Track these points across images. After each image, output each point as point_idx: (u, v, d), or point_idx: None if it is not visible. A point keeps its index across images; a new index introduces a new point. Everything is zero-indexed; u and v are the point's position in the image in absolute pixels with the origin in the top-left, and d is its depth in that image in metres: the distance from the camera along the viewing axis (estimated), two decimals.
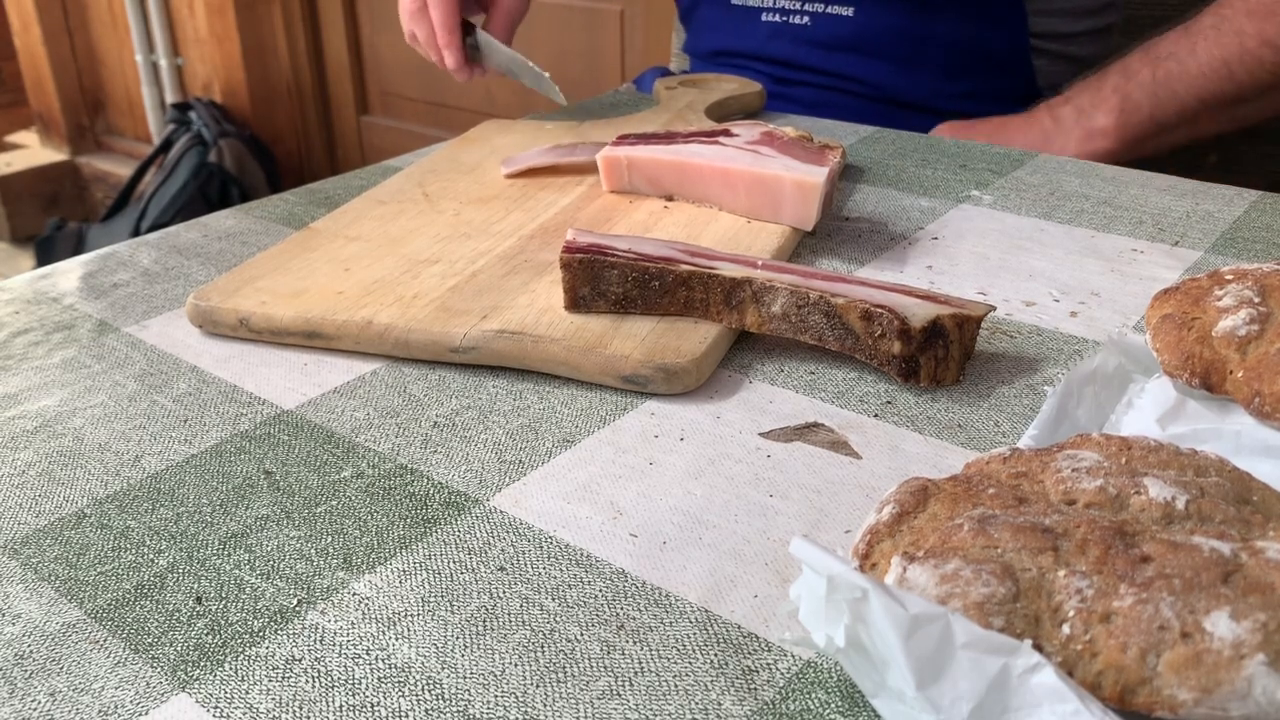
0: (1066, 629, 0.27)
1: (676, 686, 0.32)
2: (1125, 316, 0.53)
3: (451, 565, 0.37)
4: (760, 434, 0.44)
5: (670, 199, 0.64)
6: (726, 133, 0.64)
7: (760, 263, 0.51)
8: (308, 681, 0.33)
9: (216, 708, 0.32)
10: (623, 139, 0.65)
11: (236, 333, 0.53)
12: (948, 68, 0.94)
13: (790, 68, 0.98)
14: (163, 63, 2.82)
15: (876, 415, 0.45)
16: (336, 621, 0.35)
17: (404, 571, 0.37)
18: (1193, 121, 0.84)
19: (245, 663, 0.34)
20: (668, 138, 0.65)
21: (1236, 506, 0.31)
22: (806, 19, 0.96)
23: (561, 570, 0.37)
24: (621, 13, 2.04)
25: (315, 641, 0.34)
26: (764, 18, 0.98)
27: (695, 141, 0.63)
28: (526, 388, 0.49)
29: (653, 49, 1.98)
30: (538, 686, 0.32)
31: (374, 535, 0.39)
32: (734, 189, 0.60)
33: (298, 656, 0.34)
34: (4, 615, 0.36)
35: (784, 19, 0.97)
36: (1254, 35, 0.80)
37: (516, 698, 0.32)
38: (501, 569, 0.37)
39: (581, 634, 0.34)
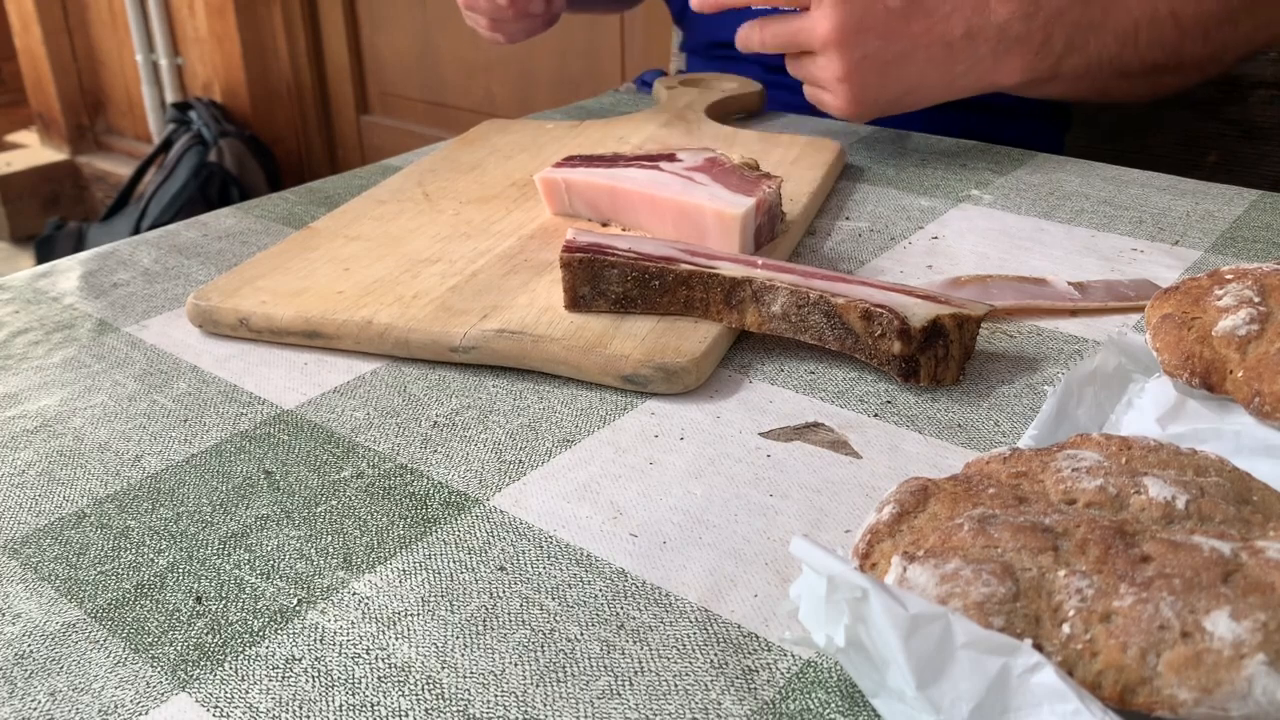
0: (1066, 629, 0.27)
1: (676, 686, 0.32)
2: (1125, 316, 0.53)
3: (451, 565, 0.37)
4: (760, 434, 0.44)
5: (606, 224, 0.63)
6: (671, 158, 0.62)
7: (760, 262, 0.51)
8: (308, 681, 0.33)
9: (216, 707, 0.32)
10: (567, 160, 0.64)
11: (236, 332, 0.53)
12: None
13: (782, 56, 0.98)
14: (163, 62, 2.82)
15: (876, 415, 0.45)
16: (336, 621, 0.35)
17: (404, 571, 0.37)
18: (1078, 80, 0.77)
19: (245, 662, 0.34)
20: (610, 161, 0.63)
21: (1236, 506, 0.31)
22: (796, 7, 0.95)
23: (561, 570, 0.37)
24: (621, 13, 2.04)
25: (315, 641, 0.34)
26: (755, 6, 0.98)
27: (635, 166, 0.61)
28: (526, 388, 0.49)
29: (653, 49, 1.98)
30: (538, 686, 0.32)
31: (374, 535, 0.39)
32: (661, 217, 0.59)
33: (298, 656, 0.34)
34: (4, 615, 0.36)
35: (774, 8, 0.97)
36: (1166, 3, 0.75)
37: (516, 697, 0.32)
38: (501, 569, 0.37)
39: (581, 634, 0.34)
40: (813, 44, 0.73)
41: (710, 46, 1.04)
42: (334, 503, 0.41)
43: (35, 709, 0.32)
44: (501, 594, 0.36)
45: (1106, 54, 0.75)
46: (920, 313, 0.46)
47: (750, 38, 0.77)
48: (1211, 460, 0.33)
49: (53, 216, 2.84)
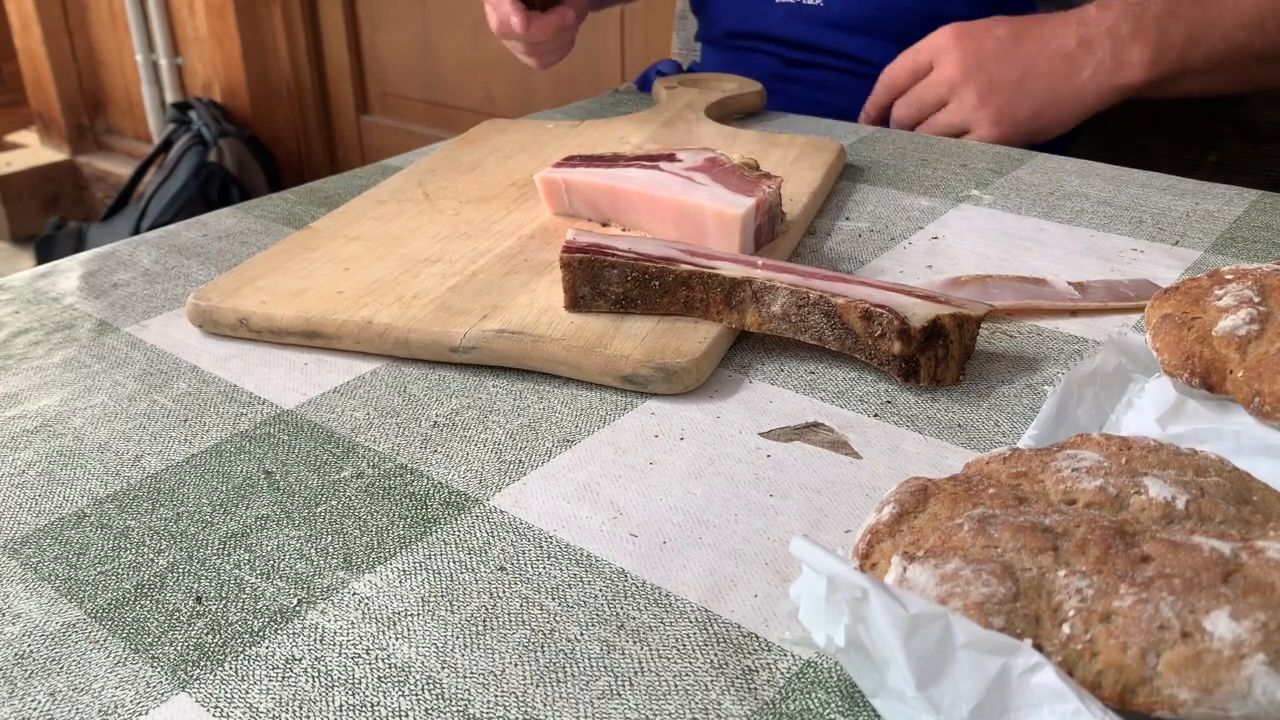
0: (1066, 629, 0.27)
1: (676, 686, 0.32)
2: (1125, 316, 0.53)
3: (451, 565, 0.37)
4: (760, 434, 0.44)
5: (606, 224, 0.63)
6: (671, 158, 0.62)
7: (760, 263, 0.51)
8: (308, 681, 0.33)
9: (216, 707, 0.32)
10: (567, 160, 0.64)
11: (236, 332, 0.53)
12: None
13: (803, 49, 0.98)
14: (163, 62, 2.82)
15: (876, 415, 0.45)
16: (336, 621, 0.35)
17: (404, 571, 0.37)
18: (1214, 71, 0.80)
19: (245, 663, 0.34)
20: (610, 161, 0.63)
21: (1236, 506, 0.31)
22: (820, 0, 0.96)
23: (561, 570, 0.37)
24: (621, 12, 2.04)
25: (315, 641, 0.34)
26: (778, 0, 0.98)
27: (635, 166, 0.61)
28: (526, 388, 0.49)
29: (653, 49, 1.98)
30: (538, 686, 0.32)
31: (374, 535, 0.39)
32: (661, 217, 0.59)
33: (298, 656, 0.34)
34: (4, 615, 0.36)
35: (798, 0, 0.97)
36: None
37: (516, 697, 0.32)
38: (501, 569, 0.37)
39: (581, 634, 0.34)
40: (944, 92, 0.81)
41: (729, 36, 1.04)
42: (334, 503, 0.41)
43: (35, 709, 0.32)
44: (501, 594, 0.36)
45: (1235, 43, 0.78)
46: (920, 313, 0.46)
47: (899, 118, 0.87)
48: (1211, 460, 0.33)
49: (53, 216, 2.84)
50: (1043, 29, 0.80)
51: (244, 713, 0.32)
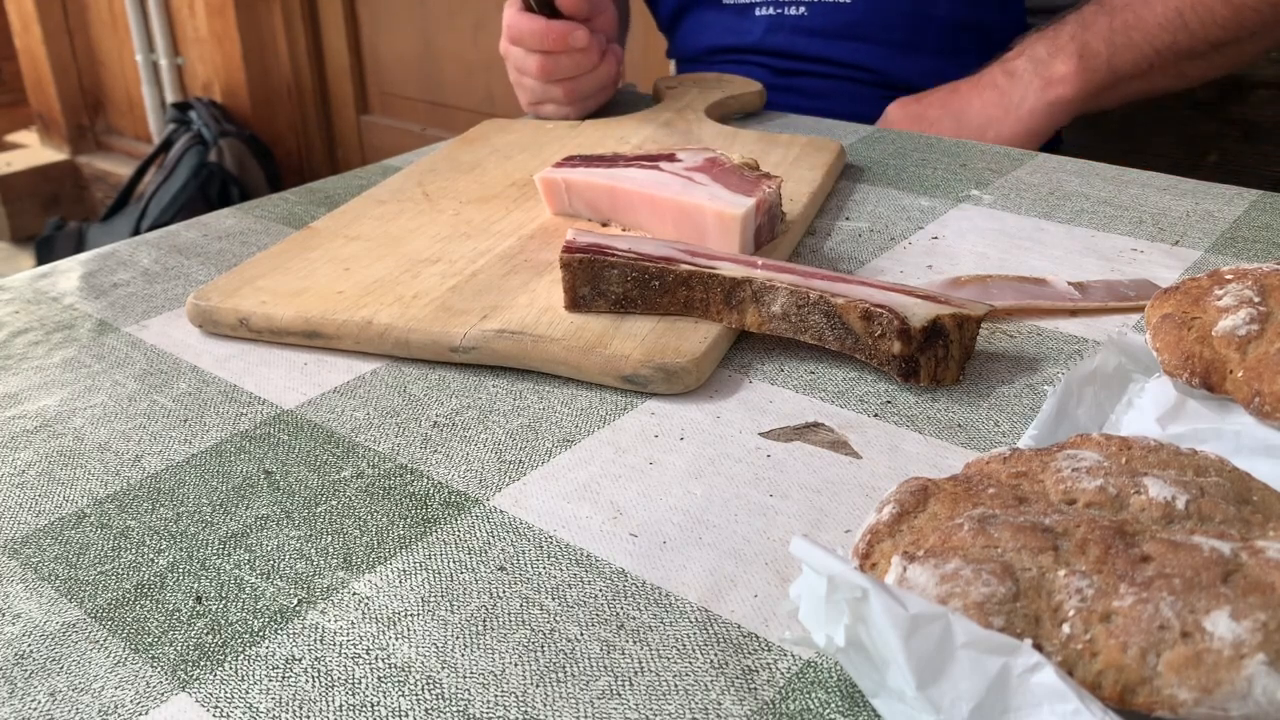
0: (1066, 628, 0.27)
1: (676, 686, 0.32)
2: (1125, 316, 0.53)
3: (451, 565, 0.37)
4: (760, 434, 0.44)
5: (606, 224, 0.63)
6: (671, 158, 0.62)
7: (760, 263, 0.51)
8: (308, 681, 0.33)
9: (216, 707, 0.32)
10: (567, 160, 0.64)
11: (236, 332, 0.53)
12: (947, 48, 0.95)
13: (789, 58, 0.97)
14: (163, 62, 2.82)
15: (876, 415, 0.45)
16: (336, 621, 0.35)
17: (404, 571, 0.37)
18: (1147, 74, 0.84)
19: (245, 662, 0.34)
20: (610, 161, 0.63)
21: (1236, 506, 0.31)
22: (803, 9, 0.96)
23: (561, 570, 0.37)
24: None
25: (315, 641, 0.34)
26: (758, 12, 0.98)
27: (635, 166, 0.61)
28: (526, 388, 0.49)
29: (653, 49, 1.98)
30: (538, 686, 0.32)
31: (374, 535, 0.39)
32: (661, 217, 0.59)
33: (298, 656, 0.34)
34: (4, 615, 0.36)
35: (779, 11, 0.97)
36: None
37: (516, 697, 0.32)
38: (501, 569, 0.37)
39: (581, 634, 0.34)
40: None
41: (712, 53, 1.03)
42: (334, 503, 0.41)
43: (35, 709, 0.32)
44: (501, 594, 0.36)
45: (1160, 43, 0.82)
46: (920, 313, 0.46)
47: None
48: (1211, 460, 0.33)
49: (53, 216, 2.84)
50: (975, 79, 0.87)
51: (244, 713, 0.32)
